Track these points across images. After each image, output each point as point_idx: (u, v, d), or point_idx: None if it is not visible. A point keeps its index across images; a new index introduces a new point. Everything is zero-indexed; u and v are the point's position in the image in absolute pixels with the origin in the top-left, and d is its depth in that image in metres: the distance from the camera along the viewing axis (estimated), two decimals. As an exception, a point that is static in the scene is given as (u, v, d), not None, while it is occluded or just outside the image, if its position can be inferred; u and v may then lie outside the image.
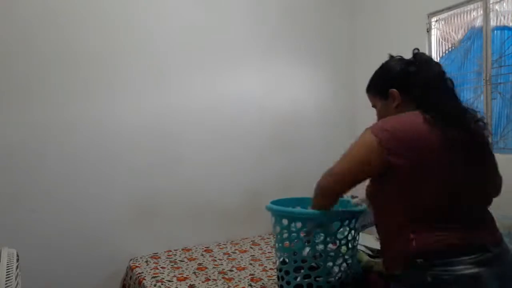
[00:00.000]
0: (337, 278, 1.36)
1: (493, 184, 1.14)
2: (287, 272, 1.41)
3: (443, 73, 1.15)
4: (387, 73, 1.22)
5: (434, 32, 2.58)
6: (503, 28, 2.23)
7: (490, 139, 1.11)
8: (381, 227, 1.19)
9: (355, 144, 1.10)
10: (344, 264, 1.38)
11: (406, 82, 1.14)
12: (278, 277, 1.49)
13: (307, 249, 1.36)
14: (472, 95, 2.40)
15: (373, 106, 1.28)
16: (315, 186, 1.18)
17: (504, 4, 2.21)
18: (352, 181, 1.11)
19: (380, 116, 1.24)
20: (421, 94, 1.10)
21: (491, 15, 2.25)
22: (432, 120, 1.02)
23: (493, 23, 2.26)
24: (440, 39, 2.58)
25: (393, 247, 1.09)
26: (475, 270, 0.95)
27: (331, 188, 1.15)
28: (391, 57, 1.25)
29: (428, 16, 2.58)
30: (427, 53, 2.57)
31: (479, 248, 0.98)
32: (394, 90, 1.16)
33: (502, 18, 2.23)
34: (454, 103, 1.11)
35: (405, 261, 1.03)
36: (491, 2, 2.25)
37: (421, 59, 1.16)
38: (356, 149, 1.09)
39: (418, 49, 1.20)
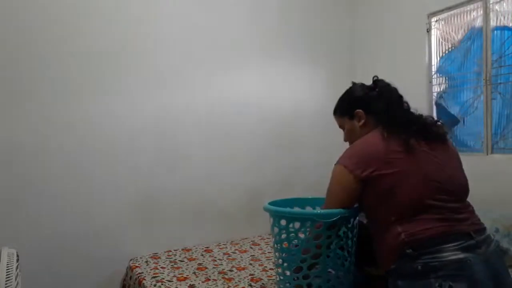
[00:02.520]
0: (337, 277, 1.36)
1: (463, 174, 1.26)
2: (286, 273, 1.41)
3: (401, 96, 1.35)
4: (353, 96, 1.40)
5: (434, 32, 2.58)
6: (503, 28, 2.23)
7: (449, 136, 1.29)
8: (372, 230, 1.28)
9: (332, 182, 1.27)
10: (346, 263, 1.38)
11: (369, 104, 1.33)
12: (277, 277, 1.50)
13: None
14: (472, 95, 2.40)
15: (341, 127, 1.45)
16: None
17: (504, 4, 2.21)
18: (347, 205, 1.26)
19: (347, 134, 1.42)
20: (386, 112, 1.27)
21: (491, 15, 2.25)
22: (391, 133, 1.18)
23: (493, 23, 2.25)
24: (440, 39, 2.58)
25: (384, 243, 1.17)
26: (461, 255, 1.03)
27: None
28: (354, 83, 1.44)
29: (428, 16, 2.58)
30: (427, 53, 2.58)
31: (462, 235, 1.06)
32: (360, 110, 1.34)
33: (502, 18, 2.23)
34: (413, 116, 1.30)
35: (396, 254, 1.11)
36: (491, 2, 2.25)
37: (381, 85, 1.36)
38: (335, 185, 1.26)
39: (377, 76, 1.40)
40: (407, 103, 1.34)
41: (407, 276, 1.08)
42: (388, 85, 1.36)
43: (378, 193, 1.17)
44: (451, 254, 1.03)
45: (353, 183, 1.19)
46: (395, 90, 1.35)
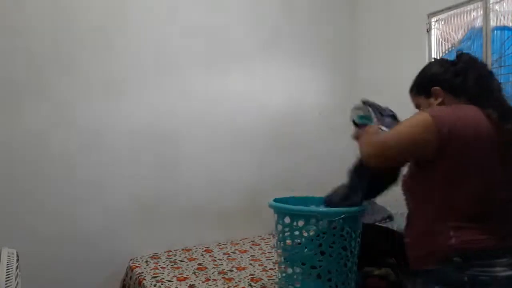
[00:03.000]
0: (339, 277, 1.36)
1: None
2: (288, 271, 1.41)
3: (491, 73, 1.18)
4: (429, 72, 1.24)
5: (434, 32, 2.58)
6: (503, 28, 2.23)
7: None
8: (416, 222, 1.16)
9: (409, 121, 1.09)
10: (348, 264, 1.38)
11: (449, 81, 1.16)
12: (278, 277, 1.49)
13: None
14: (472, 95, 2.40)
15: (416, 106, 1.28)
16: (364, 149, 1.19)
17: (504, 4, 2.21)
18: (402, 153, 1.11)
19: None
20: (476, 92, 1.11)
21: (491, 15, 2.25)
22: (490, 114, 1.03)
23: (493, 23, 2.25)
24: (440, 39, 2.58)
25: (428, 242, 1.07)
26: (510, 272, 0.97)
27: (382, 152, 1.12)
28: (434, 59, 1.30)
29: (428, 16, 2.58)
30: (427, 53, 2.58)
31: (510, 250, 1.00)
32: (437, 88, 1.17)
33: (502, 18, 2.23)
34: (507, 103, 1.11)
35: (441, 258, 1.02)
36: (491, 2, 2.25)
37: (465, 59, 1.18)
38: (410, 124, 1.08)
39: (462, 51, 1.23)
40: (498, 82, 1.16)
41: (450, 285, 1.01)
42: (473, 59, 1.19)
43: (447, 174, 1.03)
44: (502, 270, 0.97)
45: (435, 136, 1.01)
46: (483, 66, 1.19)
